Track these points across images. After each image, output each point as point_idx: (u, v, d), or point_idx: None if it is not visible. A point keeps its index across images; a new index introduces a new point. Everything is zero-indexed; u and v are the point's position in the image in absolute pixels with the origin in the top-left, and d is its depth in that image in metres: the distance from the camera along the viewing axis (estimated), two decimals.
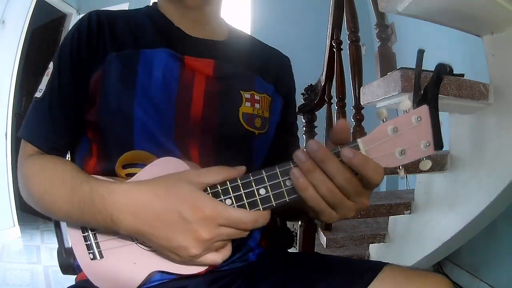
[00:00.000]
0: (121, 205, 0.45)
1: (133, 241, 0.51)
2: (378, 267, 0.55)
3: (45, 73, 0.60)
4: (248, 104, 0.63)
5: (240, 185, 0.45)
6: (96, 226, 0.50)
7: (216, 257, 0.46)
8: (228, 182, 0.45)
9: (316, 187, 0.42)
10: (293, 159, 0.42)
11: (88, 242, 0.51)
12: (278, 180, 0.44)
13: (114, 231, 0.48)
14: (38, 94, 0.59)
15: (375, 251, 1.64)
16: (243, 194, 0.45)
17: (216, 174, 0.46)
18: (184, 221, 0.43)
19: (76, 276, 0.62)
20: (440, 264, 1.83)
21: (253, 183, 0.44)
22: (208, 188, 0.46)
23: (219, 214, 0.43)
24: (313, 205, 0.43)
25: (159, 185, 0.45)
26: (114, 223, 0.45)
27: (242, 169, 0.46)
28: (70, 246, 0.62)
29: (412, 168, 1.20)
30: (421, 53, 0.43)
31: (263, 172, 0.44)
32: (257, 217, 0.44)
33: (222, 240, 0.45)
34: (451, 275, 1.78)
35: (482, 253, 1.63)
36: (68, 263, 0.62)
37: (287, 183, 0.44)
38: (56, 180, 0.51)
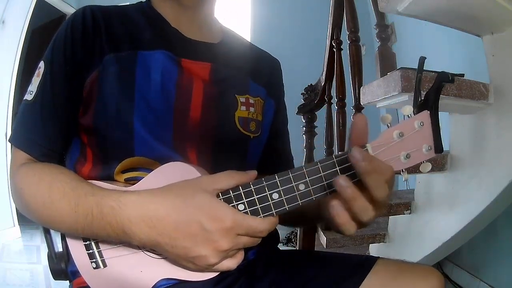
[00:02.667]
0: (135, 217, 0.44)
1: (140, 249, 0.50)
2: (371, 261, 0.57)
3: (36, 73, 0.56)
4: (243, 108, 0.63)
5: (253, 190, 0.45)
6: (106, 238, 0.48)
7: (232, 263, 0.47)
8: (240, 187, 0.45)
9: (357, 215, 0.42)
10: (336, 187, 0.42)
11: (91, 251, 0.51)
12: (291, 185, 0.44)
13: (125, 242, 0.47)
14: (28, 97, 0.55)
15: (375, 251, 1.64)
16: (256, 199, 0.45)
17: (229, 179, 0.46)
18: (205, 231, 0.43)
19: (69, 282, 0.59)
20: (440, 264, 1.83)
21: (266, 188, 0.45)
22: (220, 193, 0.46)
23: (238, 224, 0.43)
24: (342, 230, 0.44)
25: (175, 196, 0.45)
26: (126, 235, 0.45)
27: (253, 173, 0.46)
28: (61, 250, 0.61)
29: (412, 168, 1.19)
30: (422, 61, 0.45)
31: (276, 177, 0.45)
32: (271, 224, 0.45)
33: (238, 248, 0.46)
34: (451, 275, 1.78)
35: (482, 253, 1.63)
36: (59, 268, 0.60)
37: (300, 187, 0.44)
38: (55, 192, 0.48)
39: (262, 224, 0.45)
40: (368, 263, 0.57)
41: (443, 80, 0.43)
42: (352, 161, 0.41)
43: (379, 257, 0.59)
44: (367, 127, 0.44)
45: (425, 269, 0.57)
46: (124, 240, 0.46)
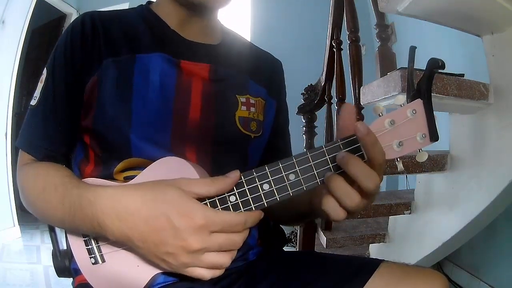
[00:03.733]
0: (107, 209, 0.44)
1: None
2: (375, 264, 0.57)
3: (39, 80, 0.59)
4: (244, 108, 0.63)
5: (244, 181, 0.45)
6: (86, 232, 0.50)
7: (205, 273, 0.44)
8: None
9: (340, 200, 0.42)
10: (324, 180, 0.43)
11: (89, 247, 0.51)
12: (281, 175, 0.44)
13: (101, 236, 0.47)
14: (33, 102, 0.58)
15: (375, 251, 1.64)
16: (246, 190, 0.45)
17: (208, 186, 0.44)
18: (173, 228, 0.42)
19: (72, 279, 0.61)
20: (440, 264, 1.83)
21: (256, 179, 0.45)
22: None
23: (210, 220, 0.42)
24: (336, 219, 0.44)
25: (147, 190, 0.44)
26: (101, 228, 0.45)
27: (236, 175, 0.45)
28: (65, 248, 0.63)
29: (412, 168, 1.20)
30: (412, 50, 0.45)
31: (266, 167, 0.45)
32: (248, 216, 0.44)
33: (213, 250, 0.43)
34: (451, 275, 1.78)
35: (482, 253, 1.63)
36: (63, 265, 0.62)
37: (290, 177, 0.44)
38: (49, 186, 0.51)
39: (237, 217, 0.43)
40: (372, 265, 0.56)
41: (434, 67, 0.42)
42: (357, 134, 0.42)
43: (383, 260, 0.58)
44: (354, 116, 0.44)
45: (429, 273, 0.56)
46: (100, 234, 0.46)
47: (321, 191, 0.46)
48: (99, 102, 0.56)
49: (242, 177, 0.45)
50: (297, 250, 1.59)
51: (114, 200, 0.44)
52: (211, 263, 0.44)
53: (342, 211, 0.43)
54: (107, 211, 0.44)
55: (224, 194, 0.45)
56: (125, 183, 0.49)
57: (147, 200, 0.43)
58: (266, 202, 0.45)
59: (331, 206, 0.43)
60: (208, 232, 0.42)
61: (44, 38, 3.54)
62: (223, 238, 0.43)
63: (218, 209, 0.45)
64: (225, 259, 0.44)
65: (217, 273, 0.45)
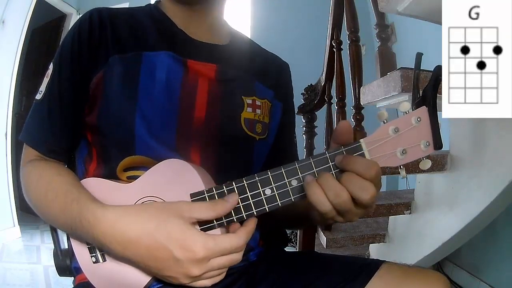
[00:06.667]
0: (108, 235, 0.44)
1: None
2: (376, 264, 0.56)
3: (45, 74, 0.59)
4: (249, 109, 0.63)
5: (246, 185, 0.45)
6: (91, 243, 0.51)
7: (207, 282, 0.46)
8: (234, 183, 0.46)
9: (331, 198, 0.42)
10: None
11: (91, 245, 0.51)
12: (283, 181, 0.45)
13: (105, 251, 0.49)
14: (38, 96, 0.58)
15: (375, 251, 1.64)
16: (249, 195, 0.45)
17: (209, 210, 0.44)
18: (175, 259, 0.42)
19: (73, 278, 0.61)
20: (440, 264, 1.83)
21: (258, 184, 0.45)
22: (214, 189, 0.46)
23: (210, 252, 0.43)
24: (321, 211, 0.43)
25: (149, 219, 0.44)
26: (103, 247, 0.46)
27: (234, 199, 0.45)
28: (66, 247, 0.63)
29: (412, 168, 1.20)
30: (419, 56, 0.45)
31: (269, 172, 0.45)
32: (247, 235, 0.45)
33: (217, 269, 0.45)
34: (451, 275, 1.78)
35: (482, 253, 1.63)
36: (64, 264, 0.62)
37: (292, 183, 0.45)
38: (50, 193, 0.51)
39: (237, 241, 0.44)
40: (373, 266, 0.56)
41: (440, 74, 0.42)
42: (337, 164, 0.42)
43: (384, 260, 0.58)
44: (351, 134, 0.44)
45: (431, 274, 0.55)
46: (104, 251, 0.49)
47: None
48: (104, 99, 0.55)
49: (245, 181, 0.45)
50: (297, 250, 1.58)
51: (114, 227, 0.44)
52: (212, 277, 0.46)
53: (337, 216, 0.44)
54: (108, 237, 0.44)
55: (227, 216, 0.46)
56: (130, 206, 0.48)
57: (148, 231, 0.43)
58: (268, 207, 0.45)
59: (328, 211, 0.43)
60: (209, 259, 0.43)
61: (44, 38, 3.53)
62: (224, 260, 0.45)
63: None
64: (225, 270, 0.47)
65: (219, 279, 0.47)
